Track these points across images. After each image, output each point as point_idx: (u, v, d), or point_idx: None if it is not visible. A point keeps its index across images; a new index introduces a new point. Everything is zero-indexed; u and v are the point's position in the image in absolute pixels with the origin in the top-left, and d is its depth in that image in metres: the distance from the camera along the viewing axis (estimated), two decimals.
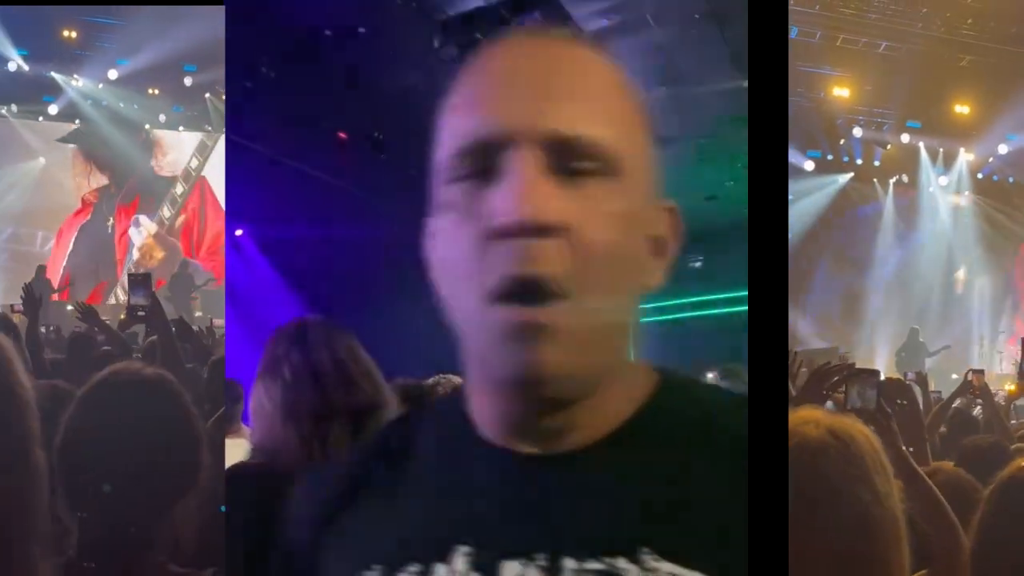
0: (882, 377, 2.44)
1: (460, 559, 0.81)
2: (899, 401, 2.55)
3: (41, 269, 10.76)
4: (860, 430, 1.09)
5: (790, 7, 9.50)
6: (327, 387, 1.88)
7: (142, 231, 12.78)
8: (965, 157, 12.06)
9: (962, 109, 11.29)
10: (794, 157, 11.39)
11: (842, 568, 1.02)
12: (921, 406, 3.33)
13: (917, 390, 3.54)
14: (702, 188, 11.50)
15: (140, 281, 3.19)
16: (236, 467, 1.94)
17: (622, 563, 0.77)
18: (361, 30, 6.96)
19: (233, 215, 8.60)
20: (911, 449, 2.17)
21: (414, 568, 0.82)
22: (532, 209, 0.76)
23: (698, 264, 13.92)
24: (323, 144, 8.03)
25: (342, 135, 8.01)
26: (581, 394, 0.81)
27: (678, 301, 14.19)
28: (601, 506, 0.80)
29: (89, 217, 12.62)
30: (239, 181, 7.04)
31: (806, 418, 1.10)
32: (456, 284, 0.81)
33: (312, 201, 8.38)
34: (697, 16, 7.53)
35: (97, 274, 12.50)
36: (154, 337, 3.38)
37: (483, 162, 0.79)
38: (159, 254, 12.74)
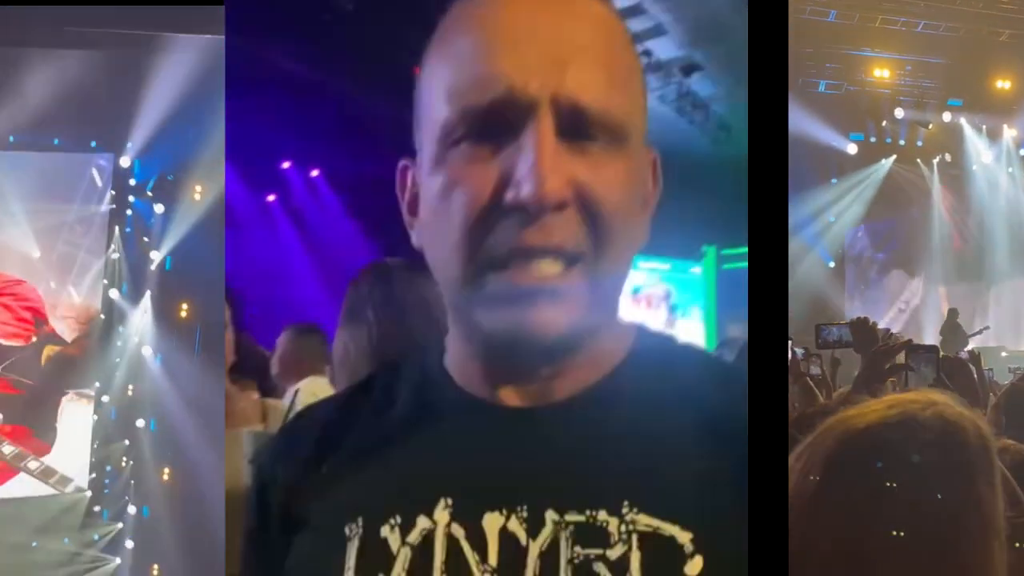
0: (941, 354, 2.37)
1: (442, 511, 0.80)
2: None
3: None
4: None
5: None
6: (412, 329, 1.81)
7: None
8: (1009, 133, 11.62)
9: (1003, 84, 10.94)
10: (837, 140, 11.17)
11: (939, 516, 0.98)
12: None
13: (971, 369, 3.42)
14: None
15: None
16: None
17: (603, 515, 0.77)
18: None
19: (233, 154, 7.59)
20: None
21: (395, 520, 0.81)
22: (553, 185, 0.76)
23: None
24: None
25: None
26: (571, 350, 0.82)
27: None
28: (583, 459, 0.81)
29: None
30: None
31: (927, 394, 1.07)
32: (451, 242, 0.80)
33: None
34: None
35: None
36: None
37: (492, 124, 0.78)
38: None
